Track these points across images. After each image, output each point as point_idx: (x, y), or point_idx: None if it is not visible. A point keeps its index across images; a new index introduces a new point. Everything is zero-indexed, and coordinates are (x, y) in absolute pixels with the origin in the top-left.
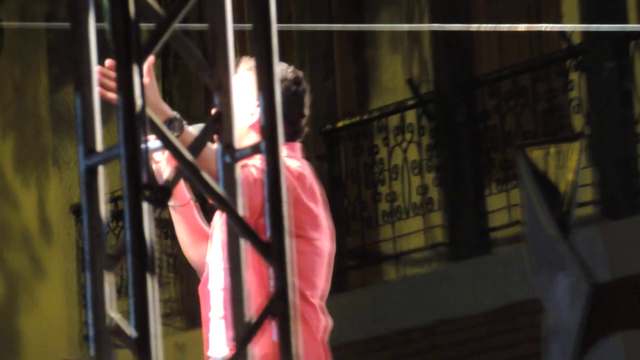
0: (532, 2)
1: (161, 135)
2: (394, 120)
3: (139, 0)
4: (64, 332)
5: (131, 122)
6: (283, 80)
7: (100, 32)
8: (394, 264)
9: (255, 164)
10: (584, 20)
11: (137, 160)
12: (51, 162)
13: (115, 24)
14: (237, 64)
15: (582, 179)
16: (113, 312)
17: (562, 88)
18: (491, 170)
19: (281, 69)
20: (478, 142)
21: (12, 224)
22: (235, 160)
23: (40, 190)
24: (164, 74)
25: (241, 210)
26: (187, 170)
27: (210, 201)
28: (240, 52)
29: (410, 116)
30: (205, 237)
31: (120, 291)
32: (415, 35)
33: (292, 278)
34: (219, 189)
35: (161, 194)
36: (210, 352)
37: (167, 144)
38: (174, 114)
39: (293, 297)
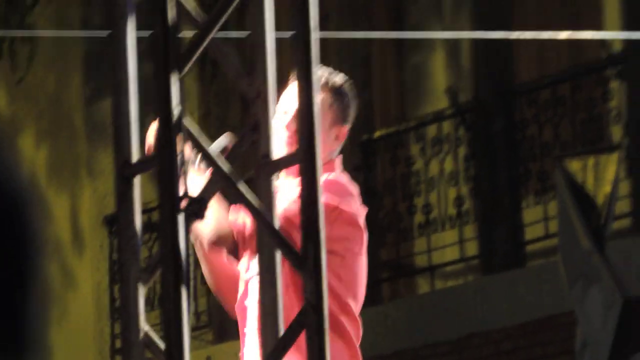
0: (573, 10)
1: (197, 145)
2: (431, 130)
3: (178, 8)
4: (94, 344)
5: (168, 132)
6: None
7: (138, 40)
8: (428, 277)
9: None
10: (625, 28)
11: (172, 170)
12: (85, 171)
13: (154, 31)
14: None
15: (620, 191)
16: (144, 324)
17: (601, 97)
18: (528, 182)
19: (323, 75)
20: (515, 153)
21: (44, 234)
22: (272, 170)
23: (73, 200)
24: (201, 81)
25: (276, 223)
26: (222, 181)
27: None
28: (279, 61)
29: (448, 126)
30: (234, 283)
31: (149, 303)
32: (454, 43)
33: (339, 291)
34: (255, 199)
35: (197, 205)
36: None
37: (204, 154)
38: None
39: (337, 310)
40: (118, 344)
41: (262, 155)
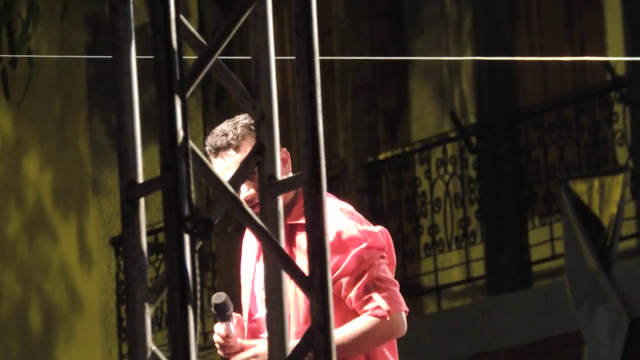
0: (577, 33)
1: (203, 167)
2: (436, 152)
3: (181, 31)
4: None
5: (172, 154)
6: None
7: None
8: (434, 297)
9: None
10: (628, 51)
11: (178, 191)
12: (91, 194)
13: (158, 54)
14: None
15: (625, 212)
16: (151, 345)
17: (606, 120)
18: (534, 204)
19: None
20: (521, 175)
21: (51, 256)
22: (277, 192)
23: (79, 222)
24: (205, 104)
25: (282, 242)
26: (228, 202)
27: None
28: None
29: (452, 148)
30: None
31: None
32: (457, 66)
33: None
34: (259, 221)
35: (203, 226)
36: None
37: (209, 177)
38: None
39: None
40: None
41: (267, 176)
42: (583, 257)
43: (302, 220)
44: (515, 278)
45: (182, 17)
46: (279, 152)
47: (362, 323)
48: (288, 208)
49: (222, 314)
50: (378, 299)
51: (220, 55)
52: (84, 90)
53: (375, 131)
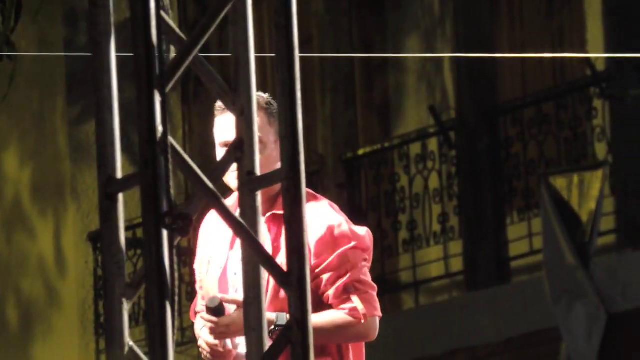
0: (556, 28)
1: (182, 163)
2: (415, 148)
3: (161, 26)
4: None
5: (151, 149)
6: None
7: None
8: (413, 293)
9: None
10: (608, 47)
11: (156, 187)
12: (69, 190)
13: (137, 49)
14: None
15: (604, 207)
16: (129, 340)
17: (585, 116)
18: (513, 199)
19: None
20: (500, 171)
21: (28, 252)
22: (256, 187)
23: (57, 218)
24: (184, 100)
25: (261, 238)
26: (207, 197)
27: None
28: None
29: (432, 144)
30: None
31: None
32: (437, 62)
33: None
34: (238, 217)
35: (182, 221)
36: None
37: (188, 172)
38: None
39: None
40: (103, 359)
41: (246, 171)
42: (562, 253)
43: None
44: (493, 274)
45: (162, 12)
46: (258, 148)
47: (336, 317)
48: (275, 198)
49: (216, 317)
50: (356, 301)
51: (199, 51)
52: (63, 86)
53: (354, 127)
